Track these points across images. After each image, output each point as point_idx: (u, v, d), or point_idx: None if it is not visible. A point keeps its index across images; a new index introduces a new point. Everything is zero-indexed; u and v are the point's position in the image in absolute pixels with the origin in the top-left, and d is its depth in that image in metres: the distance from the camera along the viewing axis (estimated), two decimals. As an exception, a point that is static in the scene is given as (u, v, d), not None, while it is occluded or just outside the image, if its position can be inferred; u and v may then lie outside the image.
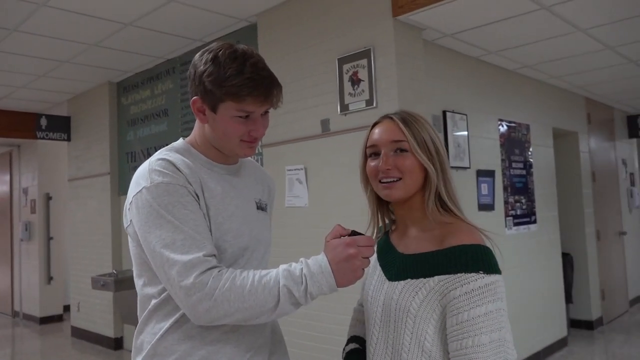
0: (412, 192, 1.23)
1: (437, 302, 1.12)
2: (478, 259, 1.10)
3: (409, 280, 1.17)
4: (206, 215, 1.24)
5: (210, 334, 1.24)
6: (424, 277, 1.15)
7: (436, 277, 1.13)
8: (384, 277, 1.25)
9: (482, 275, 1.08)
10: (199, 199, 1.23)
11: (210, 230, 1.23)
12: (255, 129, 1.28)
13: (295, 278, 1.14)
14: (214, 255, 1.18)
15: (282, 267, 1.17)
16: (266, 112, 1.31)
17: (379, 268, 1.29)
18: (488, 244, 1.18)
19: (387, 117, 1.28)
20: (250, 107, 1.24)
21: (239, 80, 1.21)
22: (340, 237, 1.19)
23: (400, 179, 1.22)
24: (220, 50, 1.25)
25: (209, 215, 1.24)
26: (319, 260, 1.16)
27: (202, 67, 1.25)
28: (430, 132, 1.24)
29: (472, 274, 1.09)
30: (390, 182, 1.22)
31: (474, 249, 1.12)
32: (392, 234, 1.34)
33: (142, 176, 1.23)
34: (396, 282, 1.20)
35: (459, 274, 1.10)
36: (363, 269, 1.17)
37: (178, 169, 1.23)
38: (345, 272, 1.15)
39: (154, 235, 1.17)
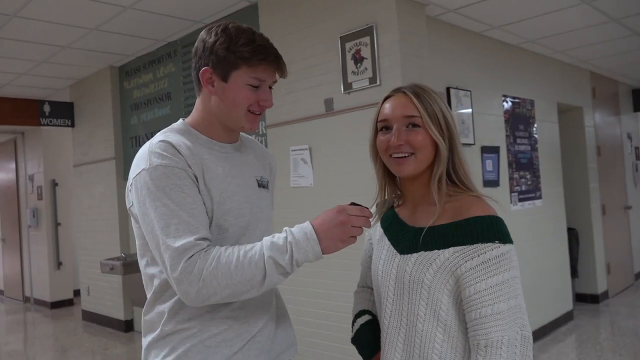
0: (423, 167, 1.23)
1: (450, 273, 1.13)
2: (493, 229, 1.12)
3: (422, 252, 1.18)
4: (208, 195, 1.24)
5: (219, 312, 1.26)
6: (438, 249, 1.15)
7: (451, 249, 1.14)
8: (395, 251, 1.25)
9: (498, 244, 1.11)
10: (198, 181, 1.24)
11: (213, 211, 1.24)
12: (264, 99, 1.30)
13: (280, 247, 1.15)
14: (206, 238, 1.19)
15: (266, 239, 1.18)
16: (270, 87, 1.33)
17: (387, 242, 1.29)
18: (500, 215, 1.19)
19: (399, 90, 1.26)
20: (262, 75, 1.28)
21: (252, 47, 1.25)
22: None
23: (413, 154, 1.21)
24: (229, 24, 1.29)
25: (211, 195, 1.25)
26: (304, 228, 1.17)
27: (212, 38, 1.28)
28: (441, 106, 1.23)
29: (489, 244, 1.11)
30: (402, 157, 1.22)
31: (489, 219, 1.14)
32: (398, 208, 1.33)
33: (142, 158, 1.25)
34: (409, 255, 1.20)
35: (475, 245, 1.11)
36: (355, 237, 1.18)
37: (178, 151, 1.23)
38: (333, 239, 1.16)
39: (150, 218, 1.19)
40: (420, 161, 1.22)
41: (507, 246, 1.12)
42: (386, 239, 1.30)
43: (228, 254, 1.15)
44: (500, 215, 1.19)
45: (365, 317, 1.41)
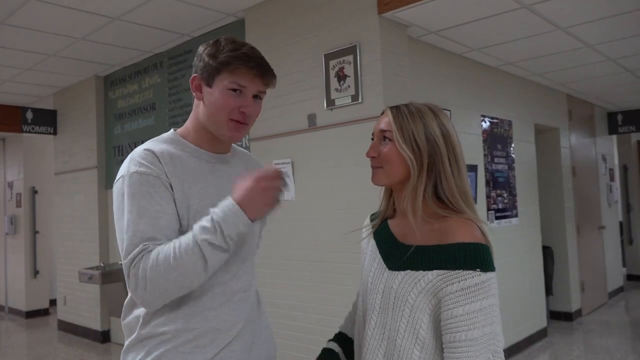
0: (396, 180, 1.27)
1: (433, 294, 1.17)
2: (476, 257, 1.15)
3: (408, 271, 1.21)
4: (185, 203, 1.29)
5: (192, 318, 1.28)
6: (423, 270, 1.19)
7: (435, 271, 1.17)
8: (384, 266, 1.28)
9: (479, 273, 1.13)
10: (173, 190, 1.28)
11: (188, 219, 1.28)
12: (245, 105, 1.32)
13: (209, 229, 1.19)
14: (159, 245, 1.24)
15: (195, 225, 1.22)
16: (258, 97, 1.36)
17: (378, 256, 1.32)
18: (489, 237, 1.22)
19: (388, 107, 1.33)
20: (242, 80, 1.31)
21: (234, 53, 1.30)
22: None
23: (382, 167, 1.28)
24: (222, 37, 1.36)
25: (189, 203, 1.29)
26: (226, 204, 1.22)
27: (203, 48, 1.35)
28: (429, 127, 1.24)
29: (469, 272, 1.13)
30: (375, 168, 1.30)
31: (473, 247, 1.16)
32: (391, 221, 1.36)
33: (124, 165, 1.31)
34: (396, 272, 1.24)
35: (456, 271, 1.14)
36: (277, 199, 1.26)
37: (158, 159, 1.28)
38: (257, 205, 1.23)
39: (119, 223, 1.25)
40: (389, 174, 1.27)
41: (488, 274, 1.15)
42: (378, 252, 1.33)
43: (166, 249, 1.20)
44: (490, 237, 1.22)
45: (330, 344, 1.45)
